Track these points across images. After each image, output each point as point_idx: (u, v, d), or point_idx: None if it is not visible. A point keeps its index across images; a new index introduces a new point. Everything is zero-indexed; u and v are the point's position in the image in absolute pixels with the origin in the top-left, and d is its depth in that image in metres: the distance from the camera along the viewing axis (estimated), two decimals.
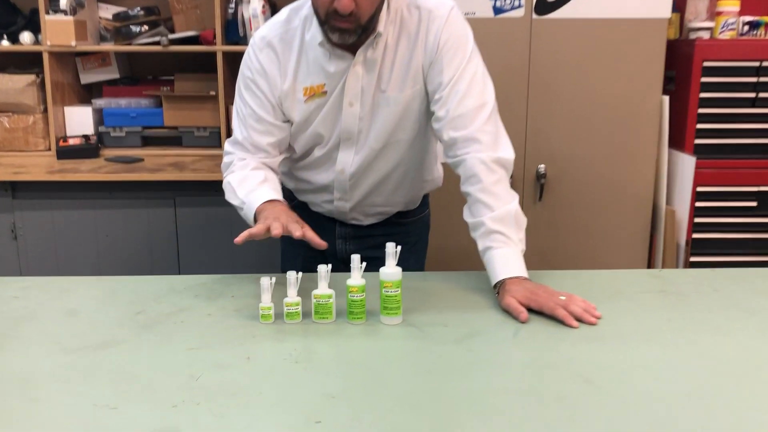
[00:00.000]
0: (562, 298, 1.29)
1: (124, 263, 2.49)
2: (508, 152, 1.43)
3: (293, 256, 1.68)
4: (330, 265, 1.27)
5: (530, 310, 1.29)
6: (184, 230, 2.49)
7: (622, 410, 0.98)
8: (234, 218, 2.46)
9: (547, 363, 1.12)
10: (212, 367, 1.10)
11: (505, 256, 1.36)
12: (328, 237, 1.61)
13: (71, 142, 2.71)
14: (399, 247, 1.25)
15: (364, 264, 1.26)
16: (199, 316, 1.31)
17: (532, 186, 2.54)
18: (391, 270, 1.25)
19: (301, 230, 1.27)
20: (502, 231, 1.36)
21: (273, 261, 1.78)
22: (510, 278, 1.34)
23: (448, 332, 1.23)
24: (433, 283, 1.47)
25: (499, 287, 1.34)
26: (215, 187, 2.43)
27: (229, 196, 1.47)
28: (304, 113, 1.48)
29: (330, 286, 1.27)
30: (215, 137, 2.80)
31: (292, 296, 1.27)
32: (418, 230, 1.75)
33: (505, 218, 1.37)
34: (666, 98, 2.49)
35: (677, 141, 2.55)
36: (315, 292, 1.26)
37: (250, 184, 1.44)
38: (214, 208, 2.47)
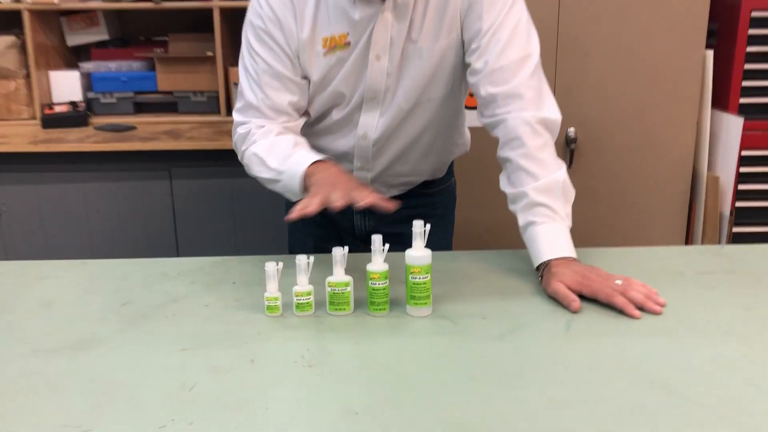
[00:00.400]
0: (618, 282, 1.11)
1: (118, 241, 2.32)
2: (554, 112, 1.24)
3: (303, 236, 1.50)
4: (347, 248, 1.09)
5: (581, 297, 1.11)
6: (181, 204, 2.31)
7: (718, 426, 0.79)
8: (236, 190, 2.32)
9: (612, 364, 0.94)
10: (209, 374, 0.92)
11: (551, 233, 1.18)
12: (344, 212, 1.43)
13: (57, 109, 2.53)
14: (428, 226, 1.06)
15: (387, 246, 1.07)
16: (195, 307, 1.13)
17: (561, 151, 2.34)
18: (419, 253, 1.07)
19: (369, 198, 1.06)
20: (548, 204, 1.18)
21: (281, 239, 1.60)
22: (556, 259, 1.16)
23: (488, 326, 1.05)
24: (464, 264, 1.29)
25: (543, 269, 1.16)
26: (214, 157, 2.26)
27: (258, 170, 1.27)
28: (324, 69, 1.28)
29: (347, 271, 1.08)
30: (213, 102, 2.61)
31: (303, 284, 1.09)
32: (444, 201, 1.56)
33: (552, 189, 1.18)
34: (709, 53, 2.27)
35: (721, 100, 2.34)
36: (329, 279, 1.08)
37: (282, 150, 1.24)
38: (214, 180, 2.29)
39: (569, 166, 2.34)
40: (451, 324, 1.06)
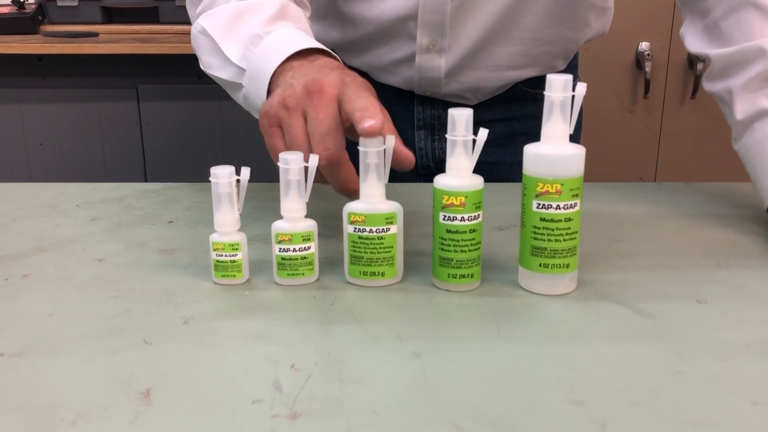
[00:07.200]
0: None
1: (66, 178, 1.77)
2: None
3: None
4: (391, 139, 0.51)
5: None
6: (152, 136, 1.76)
7: None
8: (227, 116, 1.76)
9: None
10: None
11: None
12: (402, 127, 0.84)
13: None
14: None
15: (485, 134, 0.50)
16: (72, 264, 0.58)
17: (682, 75, 1.75)
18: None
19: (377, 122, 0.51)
20: None
21: None
22: None
23: (726, 321, 0.47)
24: (616, 205, 0.72)
25: None
26: (196, 70, 1.68)
27: (208, 61, 0.69)
28: None
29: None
30: None
31: (293, 212, 0.51)
32: None
33: None
34: None
35: None
36: (350, 207, 0.51)
37: (251, 26, 0.65)
38: (197, 102, 1.73)
39: (692, 96, 1.74)
40: (635, 315, 0.48)
